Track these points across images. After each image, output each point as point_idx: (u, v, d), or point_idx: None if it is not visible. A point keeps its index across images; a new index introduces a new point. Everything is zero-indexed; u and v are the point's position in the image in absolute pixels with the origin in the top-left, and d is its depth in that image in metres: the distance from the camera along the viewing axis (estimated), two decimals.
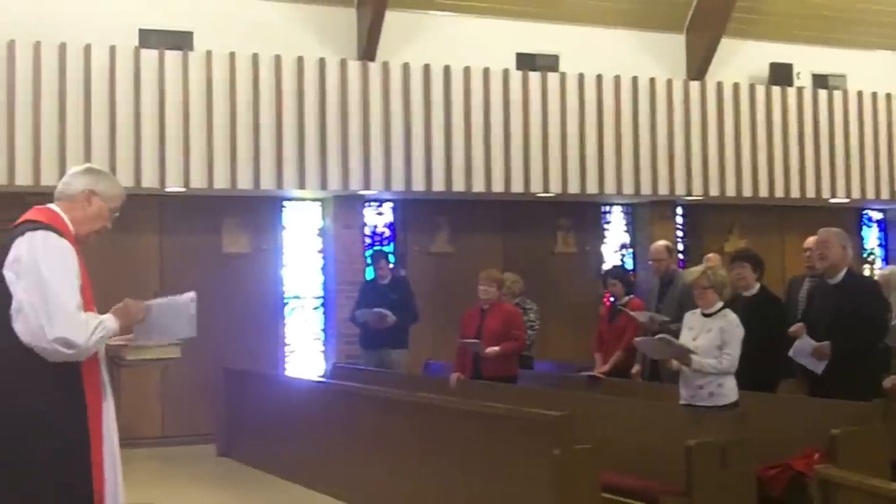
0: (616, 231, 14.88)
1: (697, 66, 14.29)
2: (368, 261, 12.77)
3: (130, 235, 11.80)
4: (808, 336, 7.76)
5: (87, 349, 4.11)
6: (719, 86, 14.15)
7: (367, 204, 13.40)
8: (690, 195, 14.00)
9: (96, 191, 4.40)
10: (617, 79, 13.64)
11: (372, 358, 11.51)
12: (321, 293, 13.32)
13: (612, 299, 10.41)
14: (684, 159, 13.88)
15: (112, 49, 11.56)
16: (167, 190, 11.84)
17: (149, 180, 11.61)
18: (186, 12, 12.31)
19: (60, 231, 4.24)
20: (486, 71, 13.07)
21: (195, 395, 12.18)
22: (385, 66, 12.69)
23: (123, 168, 11.34)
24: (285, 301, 13.16)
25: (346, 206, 13.01)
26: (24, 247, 4.13)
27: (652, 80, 13.83)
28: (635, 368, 9.69)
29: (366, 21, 12.71)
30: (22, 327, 4.04)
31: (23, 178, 11.12)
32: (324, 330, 13.31)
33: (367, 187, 12.57)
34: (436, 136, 12.78)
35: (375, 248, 13.25)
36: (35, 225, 4.22)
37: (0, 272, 4.15)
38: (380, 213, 13.73)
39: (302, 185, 12.26)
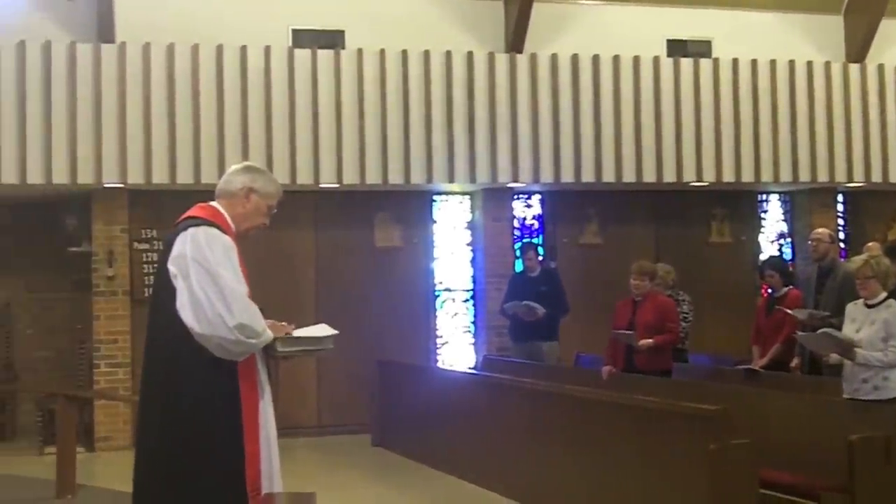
0: (773, 220, 14.50)
1: (857, 49, 13.80)
2: (517, 253, 12.78)
3: (287, 231, 12.09)
4: None
5: (262, 342, 4.21)
6: (880, 68, 13.63)
7: (515, 196, 13.41)
8: (851, 182, 13.54)
9: (255, 188, 4.50)
10: (772, 63, 13.29)
11: (522, 350, 11.50)
12: (471, 286, 13.40)
13: (769, 291, 10.15)
14: (844, 145, 13.43)
15: (267, 49, 11.86)
16: (321, 186, 12.09)
17: (304, 177, 11.88)
18: (338, 11, 12.54)
19: (221, 227, 4.35)
20: (636, 59, 12.91)
21: (350, 386, 12.42)
22: (533, 57, 12.66)
23: (279, 165, 11.63)
24: (436, 294, 13.29)
25: (495, 198, 13.04)
26: (189, 243, 4.24)
27: (809, 64, 13.43)
28: (794, 361, 9.41)
29: (513, 13, 12.71)
30: (196, 320, 4.13)
31: (184, 177, 11.52)
32: (474, 322, 13.38)
33: (515, 180, 12.57)
34: (585, 127, 12.69)
35: (524, 240, 13.23)
36: (196, 221, 4.34)
37: (164, 266, 4.29)
38: (528, 206, 13.71)
39: (451, 179, 12.35)
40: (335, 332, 4.55)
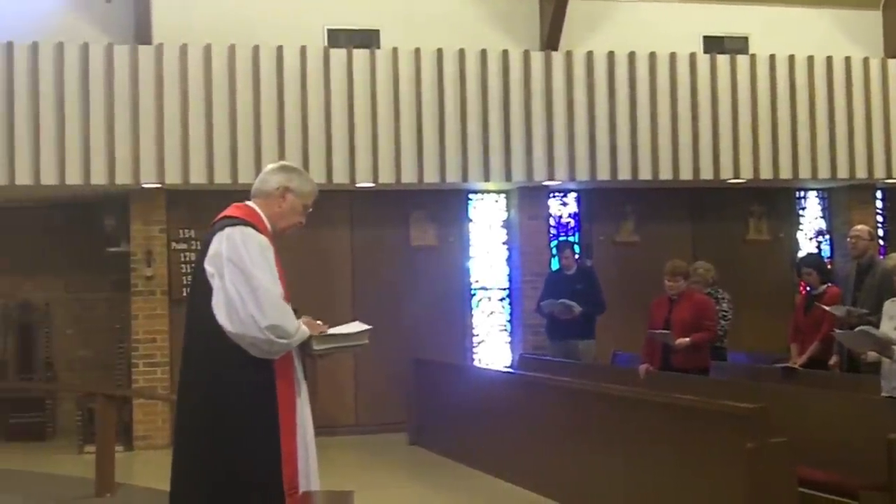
0: (811, 217, 14.39)
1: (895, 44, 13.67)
2: (553, 251, 12.76)
3: (323, 230, 12.13)
4: None
5: (295, 342, 4.23)
6: None
7: (551, 194, 13.38)
8: (890, 178, 13.41)
9: (290, 188, 4.52)
10: (810, 59, 13.19)
11: (559, 349, 11.48)
12: (507, 284, 13.38)
13: (808, 289, 10.06)
14: (883, 140, 13.30)
15: (302, 49, 11.90)
16: (357, 185, 12.12)
17: (340, 176, 11.91)
18: (373, 11, 12.58)
19: (257, 227, 4.36)
20: (672, 56, 12.85)
21: (387, 384, 12.44)
22: (568, 55, 12.63)
23: (316, 165, 11.67)
24: (472, 292, 13.28)
25: (531, 197, 13.02)
26: (225, 242, 4.26)
27: (847, 60, 13.30)
28: (833, 359, 9.32)
29: (548, 11, 12.69)
30: (229, 319, 4.16)
31: (221, 177, 11.59)
32: (510, 321, 13.37)
33: (551, 178, 12.54)
34: (621, 125, 12.64)
35: (560, 238, 13.22)
36: (233, 221, 4.36)
37: (201, 265, 4.32)
38: (564, 204, 13.68)
39: (487, 178, 12.34)
40: (369, 327, 4.56)
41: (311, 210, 4.62)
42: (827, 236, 14.33)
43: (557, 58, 12.61)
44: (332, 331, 4.46)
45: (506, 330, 13.39)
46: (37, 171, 11.21)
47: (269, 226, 4.45)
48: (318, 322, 4.44)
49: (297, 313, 4.34)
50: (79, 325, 13.18)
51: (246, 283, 4.16)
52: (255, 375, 4.21)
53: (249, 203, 4.52)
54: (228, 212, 4.46)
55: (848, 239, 9.87)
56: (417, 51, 12.20)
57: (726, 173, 12.91)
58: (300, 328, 4.27)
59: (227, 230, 4.30)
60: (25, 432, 12.49)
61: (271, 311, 4.14)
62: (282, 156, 11.38)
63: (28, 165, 11.20)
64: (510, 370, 12.06)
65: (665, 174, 12.74)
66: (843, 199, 14.02)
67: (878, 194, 14.27)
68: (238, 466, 4.19)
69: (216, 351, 4.19)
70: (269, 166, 4.65)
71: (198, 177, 11.58)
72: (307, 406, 4.42)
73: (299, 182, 4.56)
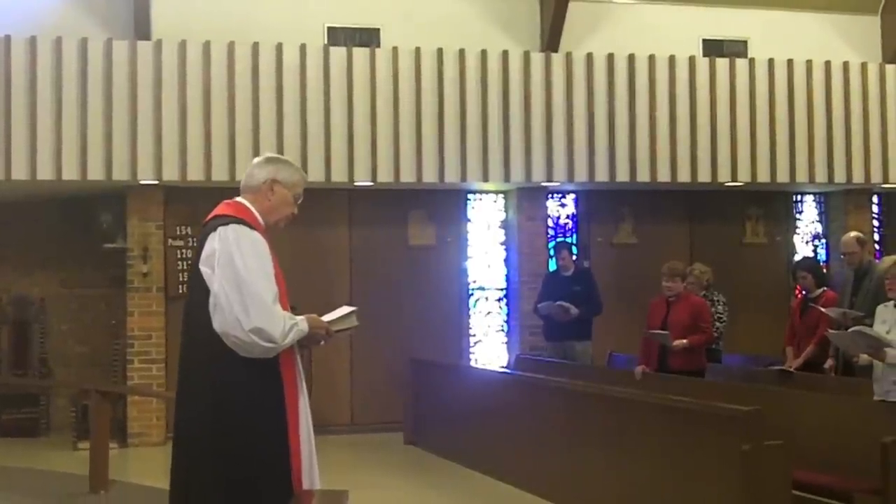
0: (808, 221, 14.40)
1: (893, 49, 13.68)
2: (551, 252, 12.76)
3: (321, 229, 12.14)
4: None
5: (280, 347, 4.18)
6: None
7: (550, 195, 13.39)
8: (887, 183, 13.42)
9: (278, 179, 4.49)
10: (808, 63, 13.20)
11: (556, 349, 11.49)
12: (505, 285, 13.38)
13: (804, 292, 10.06)
14: (880, 145, 13.32)
15: (302, 47, 11.90)
16: (356, 184, 12.11)
17: (338, 175, 11.90)
18: (373, 9, 12.58)
19: (250, 223, 4.33)
20: (671, 59, 12.85)
21: (383, 384, 12.44)
22: (568, 56, 12.63)
23: (314, 164, 11.67)
24: (470, 292, 13.28)
25: (530, 197, 13.02)
26: (218, 242, 4.23)
27: (845, 64, 13.32)
28: (828, 363, 9.33)
29: (549, 12, 12.70)
30: (215, 317, 4.13)
31: (219, 174, 11.58)
32: (507, 321, 13.37)
33: (549, 179, 12.55)
34: (619, 127, 12.65)
35: (558, 239, 13.21)
36: (226, 219, 4.32)
37: (197, 267, 4.28)
38: (563, 205, 13.68)
39: (485, 178, 12.34)
40: (355, 307, 4.55)
41: (301, 200, 4.60)
42: (823, 240, 14.34)
43: (557, 59, 12.61)
44: (324, 319, 4.45)
45: (503, 330, 13.40)
46: (33, 167, 11.19)
47: (261, 220, 4.43)
48: (313, 316, 4.42)
49: (296, 311, 4.32)
50: (74, 322, 13.16)
51: (235, 284, 4.13)
52: (261, 372, 4.19)
53: (240, 199, 4.48)
54: (219, 210, 4.43)
55: (842, 255, 9.81)
56: (417, 50, 12.20)
57: (724, 176, 12.92)
58: (294, 329, 4.22)
59: (220, 229, 4.26)
60: (19, 429, 12.47)
61: (256, 315, 4.09)
62: (280, 153, 11.34)
63: (25, 161, 11.17)
64: (507, 371, 12.06)
65: (663, 176, 12.75)
66: (839, 204, 14.03)
67: (875, 199, 14.29)
68: (246, 462, 4.18)
69: (223, 349, 4.16)
70: (255, 160, 4.62)
71: (195, 174, 11.57)
72: (307, 404, 4.40)
73: (286, 173, 4.53)
